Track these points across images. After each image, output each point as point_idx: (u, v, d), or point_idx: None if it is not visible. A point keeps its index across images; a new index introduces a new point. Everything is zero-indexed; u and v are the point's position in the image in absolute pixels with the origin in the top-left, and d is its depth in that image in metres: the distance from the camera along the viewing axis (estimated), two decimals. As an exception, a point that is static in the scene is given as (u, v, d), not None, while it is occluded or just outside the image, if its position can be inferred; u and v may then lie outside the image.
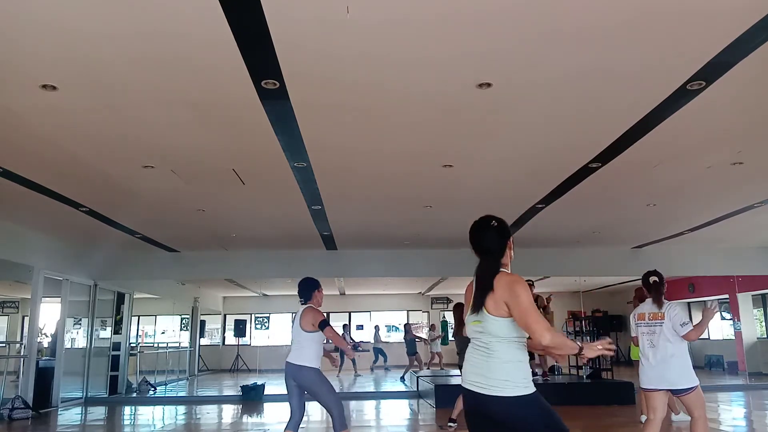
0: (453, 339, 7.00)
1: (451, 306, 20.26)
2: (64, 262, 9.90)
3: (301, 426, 4.81)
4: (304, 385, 4.69)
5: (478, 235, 2.60)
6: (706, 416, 4.30)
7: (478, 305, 2.47)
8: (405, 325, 16.17)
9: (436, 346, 15.83)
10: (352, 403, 10.16)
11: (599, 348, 2.43)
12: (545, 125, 4.88)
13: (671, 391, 4.34)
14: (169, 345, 15.69)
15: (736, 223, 8.95)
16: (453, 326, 7.03)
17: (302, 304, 4.94)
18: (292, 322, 5.03)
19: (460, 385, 2.60)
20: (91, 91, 4.08)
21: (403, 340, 15.61)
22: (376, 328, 18.08)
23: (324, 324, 4.72)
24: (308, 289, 4.95)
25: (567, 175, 6.32)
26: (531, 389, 2.40)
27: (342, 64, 3.72)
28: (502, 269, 2.54)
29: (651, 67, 3.82)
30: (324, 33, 3.35)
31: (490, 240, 2.57)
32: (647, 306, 4.58)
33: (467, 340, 2.60)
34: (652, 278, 4.56)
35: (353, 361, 15.57)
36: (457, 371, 7.68)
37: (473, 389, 2.45)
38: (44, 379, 9.50)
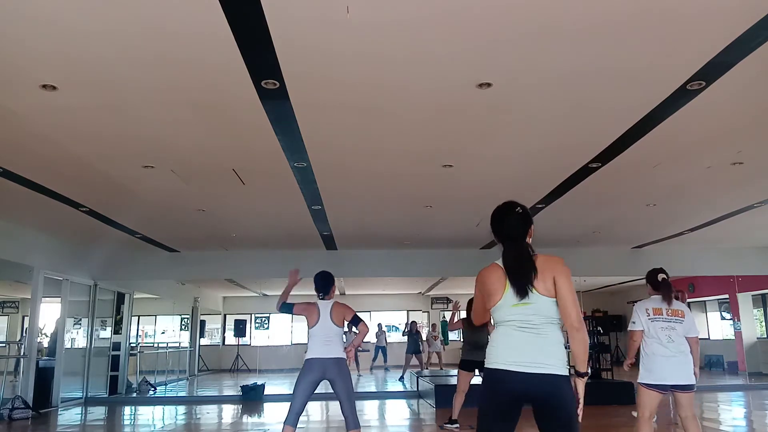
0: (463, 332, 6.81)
1: (451, 306, 20.26)
2: (64, 262, 9.89)
3: (300, 426, 4.79)
4: (339, 378, 4.51)
5: (503, 221, 2.61)
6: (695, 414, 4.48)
7: (525, 289, 2.45)
8: (411, 323, 15.99)
9: (436, 346, 15.79)
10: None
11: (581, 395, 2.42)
12: (545, 125, 4.88)
13: (677, 387, 4.35)
14: (169, 345, 15.70)
15: (736, 223, 8.95)
16: (462, 319, 6.76)
17: (321, 298, 4.78)
18: (315, 317, 4.65)
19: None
20: (91, 91, 4.08)
21: (406, 338, 15.44)
22: (379, 326, 17.91)
23: (358, 319, 4.66)
24: (329, 283, 4.83)
25: (567, 175, 6.31)
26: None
27: (342, 63, 3.72)
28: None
29: (651, 67, 3.82)
30: (324, 33, 3.35)
31: (514, 226, 2.59)
32: (658, 302, 4.45)
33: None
34: (661, 276, 4.51)
35: (357, 360, 15.58)
36: (455, 371, 7.65)
37: (522, 370, 2.40)
38: (44, 379, 9.50)
